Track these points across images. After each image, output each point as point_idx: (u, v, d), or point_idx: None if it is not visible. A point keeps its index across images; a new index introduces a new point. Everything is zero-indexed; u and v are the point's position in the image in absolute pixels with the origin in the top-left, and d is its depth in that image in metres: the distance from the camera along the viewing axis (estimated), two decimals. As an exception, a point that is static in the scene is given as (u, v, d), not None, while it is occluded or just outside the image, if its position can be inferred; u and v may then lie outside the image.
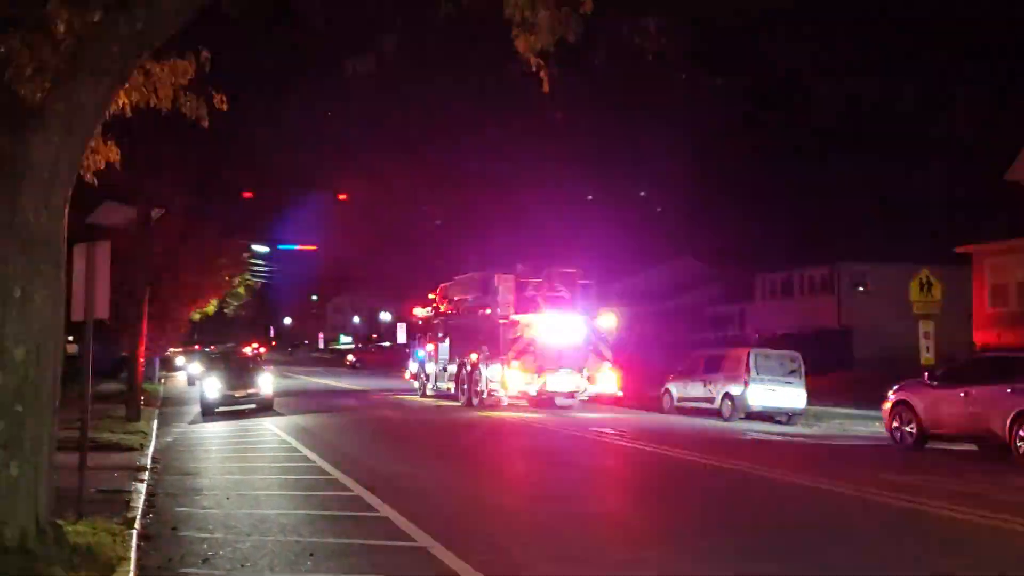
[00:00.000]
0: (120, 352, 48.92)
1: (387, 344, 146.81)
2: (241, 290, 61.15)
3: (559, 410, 39.69)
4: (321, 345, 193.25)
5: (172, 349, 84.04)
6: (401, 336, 68.91)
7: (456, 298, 47.37)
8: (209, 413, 40.26)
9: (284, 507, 17.63)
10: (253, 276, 64.90)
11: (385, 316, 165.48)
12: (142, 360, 36.53)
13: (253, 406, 40.78)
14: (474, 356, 41.42)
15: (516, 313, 41.22)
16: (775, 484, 20.27)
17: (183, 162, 36.82)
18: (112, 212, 26.78)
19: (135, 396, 35.39)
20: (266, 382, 41.69)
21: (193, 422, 37.30)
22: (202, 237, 47.57)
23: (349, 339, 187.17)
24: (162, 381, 70.79)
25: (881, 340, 58.53)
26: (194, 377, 62.12)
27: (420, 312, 52.00)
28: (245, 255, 57.43)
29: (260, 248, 58.90)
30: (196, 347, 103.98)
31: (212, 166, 41.26)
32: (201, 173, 41.14)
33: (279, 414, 38.50)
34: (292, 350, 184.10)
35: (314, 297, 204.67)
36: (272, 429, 32.48)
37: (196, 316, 61.56)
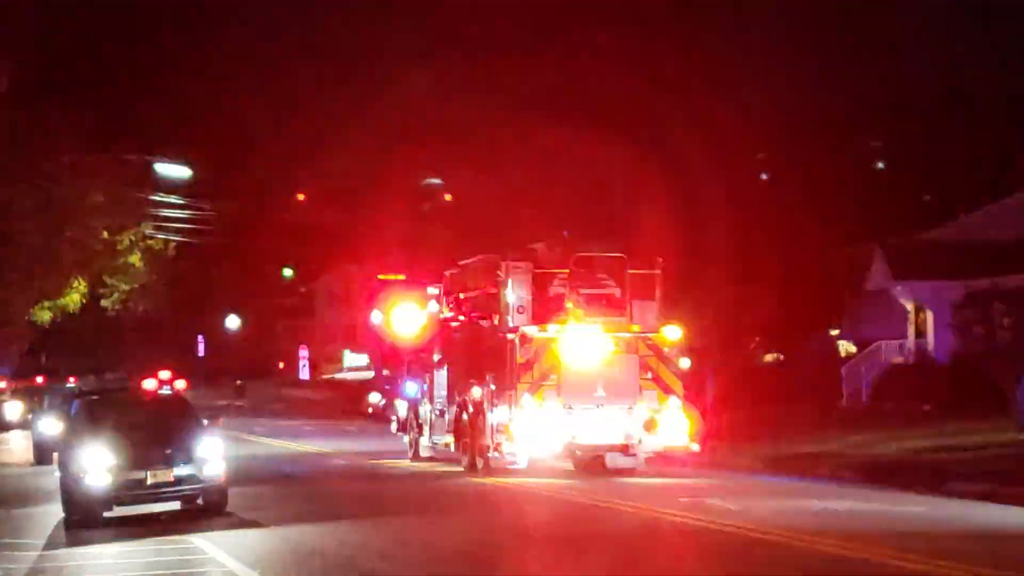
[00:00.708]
0: None
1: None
2: (135, 259, 34.47)
3: (613, 476, 28.31)
4: (304, 371, 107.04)
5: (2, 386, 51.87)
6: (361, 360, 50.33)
7: (463, 296, 33.02)
8: (90, 521, 22.28)
9: None
10: (159, 232, 36.36)
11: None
12: None
13: (178, 505, 23.16)
14: (476, 391, 30.55)
15: (533, 322, 29.01)
16: None
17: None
18: None
19: None
20: (210, 451, 22.96)
21: (51, 545, 20.67)
22: (52, 145, 23.75)
23: (360, 358, 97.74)
24: None
25: None
26: (48, 443, 34.34)
27: (407, 323, 35.85)
28: (140, 194, 28.96)
29: (171, 169, 30.47)
30: (41, 379, 64.20)
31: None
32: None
33: (233, 519, 22.43)
34: (241, 384, 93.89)
35: (287, 272, 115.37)
36: (220, 561, 17.68)
37: (45, 315, 34.09)
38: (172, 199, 37.17)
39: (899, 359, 47.11)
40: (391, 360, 41.03)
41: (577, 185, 57.63)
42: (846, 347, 50.85)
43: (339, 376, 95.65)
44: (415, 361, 35.33)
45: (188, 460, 22.39)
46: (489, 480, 27.68)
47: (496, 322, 30.27)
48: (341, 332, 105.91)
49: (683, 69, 51.06)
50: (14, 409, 55.06)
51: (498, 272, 30.39)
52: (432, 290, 35.33)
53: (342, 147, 79.23)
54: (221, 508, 22.90)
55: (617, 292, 30.27)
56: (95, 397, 25.71)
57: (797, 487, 25.28)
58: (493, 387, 29.21)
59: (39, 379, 63.71)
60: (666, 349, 29.23)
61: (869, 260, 47.78)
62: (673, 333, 29.27)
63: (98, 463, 21.85)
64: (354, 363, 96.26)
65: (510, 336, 29.12)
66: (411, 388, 35.52)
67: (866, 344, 50.11)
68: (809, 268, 49.35)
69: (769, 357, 58.74)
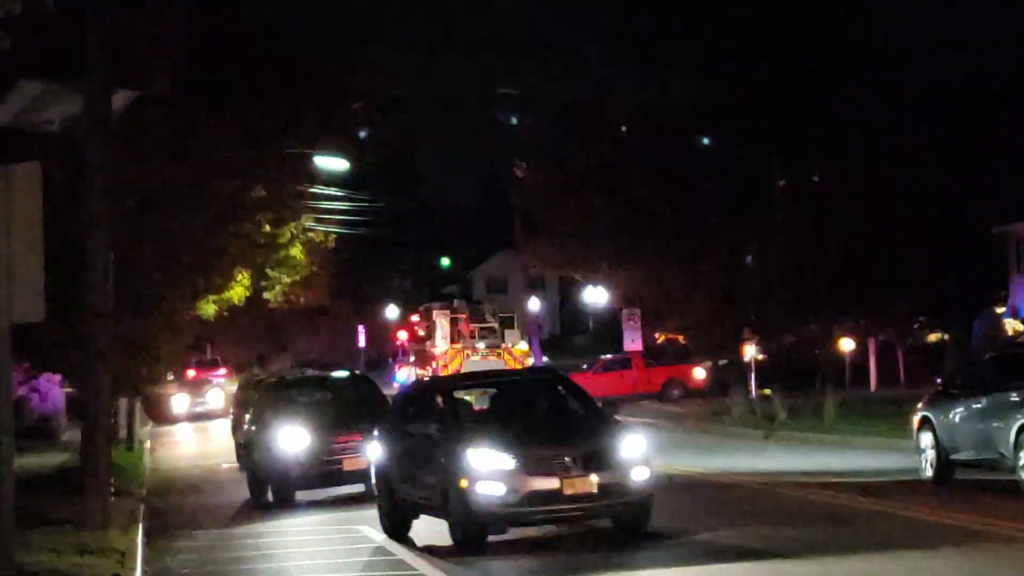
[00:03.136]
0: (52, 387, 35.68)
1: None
2: (296, 252, 33.86)
3: None
4: None
5: (169, 380, 52.07)
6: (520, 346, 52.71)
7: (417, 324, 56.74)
8: (285, 497, 23.16)
9: None
10: (319, 224, 36.56)
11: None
12: (111, 403, 22.38)
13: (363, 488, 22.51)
14: None
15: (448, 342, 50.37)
16: None
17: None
18: (34, 100, 17.56)
19: (97, 479, 18.73)
20: (635, 450, 15.56)
21: (243, 518, 21.53)
22: (214, 146, 24.09)
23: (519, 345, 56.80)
24: (146, 444, 41.72)
25: None
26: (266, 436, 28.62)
27: None
28: (302, 186, 30.47)
29: (330, 162, 30.46)
30: (220, 371, 67.42)
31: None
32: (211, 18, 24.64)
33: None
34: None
35: (444, 262, 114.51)
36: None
37: (210, 309, 33.08)
38: (332, 191, 37.34)
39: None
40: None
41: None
42: (1013, 325, 49.39)
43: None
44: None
45: (610, 463, 16.01)
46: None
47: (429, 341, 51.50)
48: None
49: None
50: (181, 402, 56.61)
51: (432, 316, 51.79)
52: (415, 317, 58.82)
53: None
54: (641, 527, 16.56)
55: (495, 325, 51.08)
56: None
57: None
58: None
59: (218, 372, 65.22)
60: (517, 354, 49.43)
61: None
62: (522, 346, 51.28)
63: (491, 467, 15.79)
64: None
65: (435, 350, 50.36)
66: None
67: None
68: (970, 245, 47.92)
69: (933, 337, 57.38)
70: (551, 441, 16.30)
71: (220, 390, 60.10)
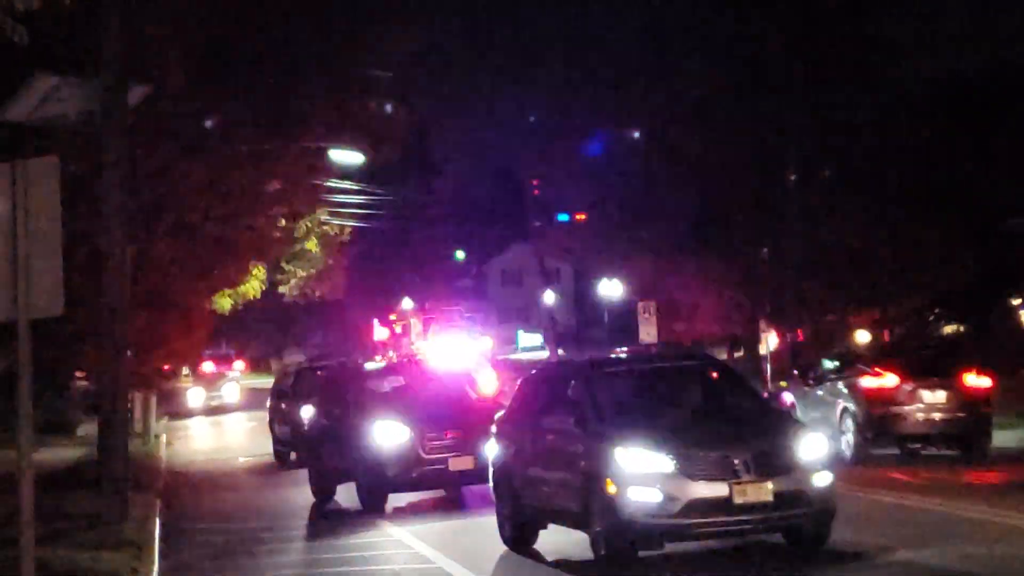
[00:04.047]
0: (70, 380, 35.05)
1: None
2: (312, 245, 33.60)
3: None
4: None
5: (185, 373, 51.77)
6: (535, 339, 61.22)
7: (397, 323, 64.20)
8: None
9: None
10: (334, 217, 36.27)
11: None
12: (127, 397, 21.82)
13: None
14: None
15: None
16: None
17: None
18: (50, 94, 17.12)
19: (114, 473, 18.62)
20: (814, 451, 14.65)
21: (261, 511, 20.76)
22: (228, 140, 24.03)
23: (534, 338, 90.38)
24: (162, 438, 40.50)
25: None
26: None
27: None
28: (316, 180, 28.46)
29: (345, 155, 30.08)
30: (237, 365, 67.34)
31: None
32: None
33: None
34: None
35: (459, 254, 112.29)
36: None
37: (226, 303, 32.75)
38: (347, 184, 37.09)
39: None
40: None
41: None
42: (1029, 317, 49.14)
43: (513, 357, 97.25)
44: None
45: (788, 467, 13.50)
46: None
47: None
48: (515, 313, 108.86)
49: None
50: (196, 396, 56.59)
51: (407, 317, 60.45)
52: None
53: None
54: (821, 542, 13.92)
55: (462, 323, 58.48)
56: (609, 370, 16.23)
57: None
58: None
59: (233, 362, 65.20)
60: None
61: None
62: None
63: (644, 469, 13.28)
64: (528, 343, 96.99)
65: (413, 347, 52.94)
66: None
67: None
68: (987, 237, 47.67)
69: (949, 329, 57.12)
70: (717, 439, 13.71)
71: (235, 384, 60.18)
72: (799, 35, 43.17)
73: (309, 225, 31.86)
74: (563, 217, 78.37)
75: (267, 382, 75.59)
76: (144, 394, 36.43)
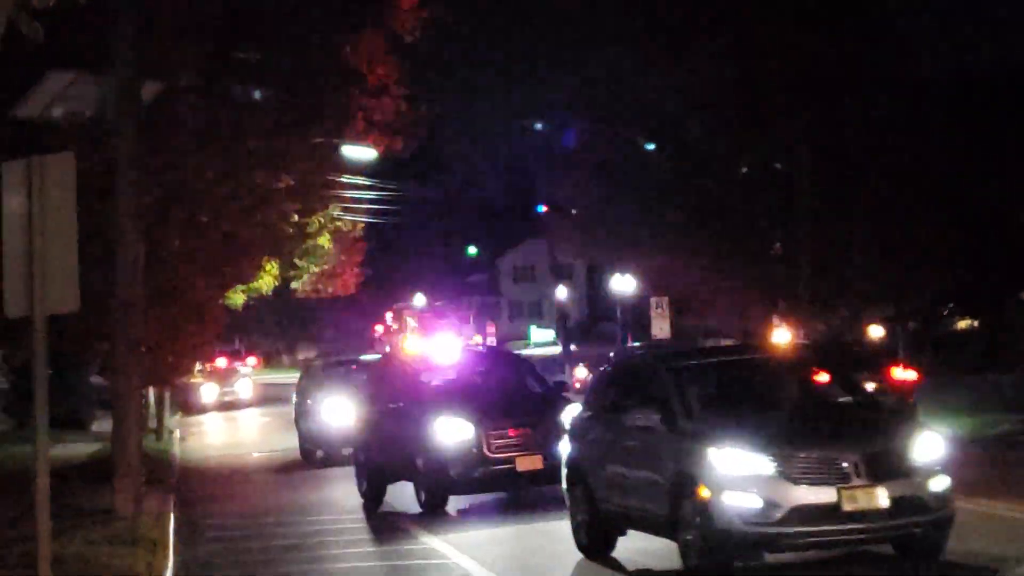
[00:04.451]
0: (85, 376, 35.12)
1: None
2: (324, 241, 33.19)
3: None
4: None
5: (197, 369, 48.83)
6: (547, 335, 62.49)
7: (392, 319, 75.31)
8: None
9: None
10: (346, 213, 36.08)
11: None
12: (141, 393, 23.06)
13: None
14: None
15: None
16: None
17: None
18: (64, 90, 17.49)
19: (129, 469, 18.56)
20: (930, 452, 13.16)
21: (276, 507, 20.39)
22: (241, 135, 23.97)
23: (546, 333, 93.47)
24: (175, 434, 40.53)
25: None
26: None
27: None
28: (329, 176, 28.02)
29: (357, 151, 29.67)
30: (249, 360, 66.57)
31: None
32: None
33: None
34: None
35: (471, 250, 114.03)
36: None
37: (239, 299, 33.09)
38: (359, 180, 37.04)
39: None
40: None
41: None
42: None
43: (526, 352, 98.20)
44: None
45: (904, 470, 12.24)
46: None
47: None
48: (527, 308, 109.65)
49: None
50: (209, 391, 56.58)
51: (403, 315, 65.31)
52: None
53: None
54: (937, 554, 12.58)
55: (453, 320, 62.23)
56: (697, 362, 14.55)
57: None
58: None
59: (243, 359, 65.28)
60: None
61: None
62: (477, 338, 57.28)
63: (742, 471, 11.93)
64: (541, 339, 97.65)
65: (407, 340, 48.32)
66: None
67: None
68: (1000, 230, 47.53)
69: (962, 324, 56.99)
70: (821, 439, 12.36)
71: (249, 380, 60.29)
72: (812, 30, 43.04)
73: (321, 221, 31.71)
74: (539, 208, 78.35)
75: (279, 378, 76.06)
76: (158, 390, 36.51)
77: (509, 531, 17.28)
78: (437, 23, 27.95)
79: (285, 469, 29.12)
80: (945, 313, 55.20)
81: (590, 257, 64.72)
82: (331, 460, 27.47)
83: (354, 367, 30.53)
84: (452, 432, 18.66)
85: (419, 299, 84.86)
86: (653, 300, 51.18)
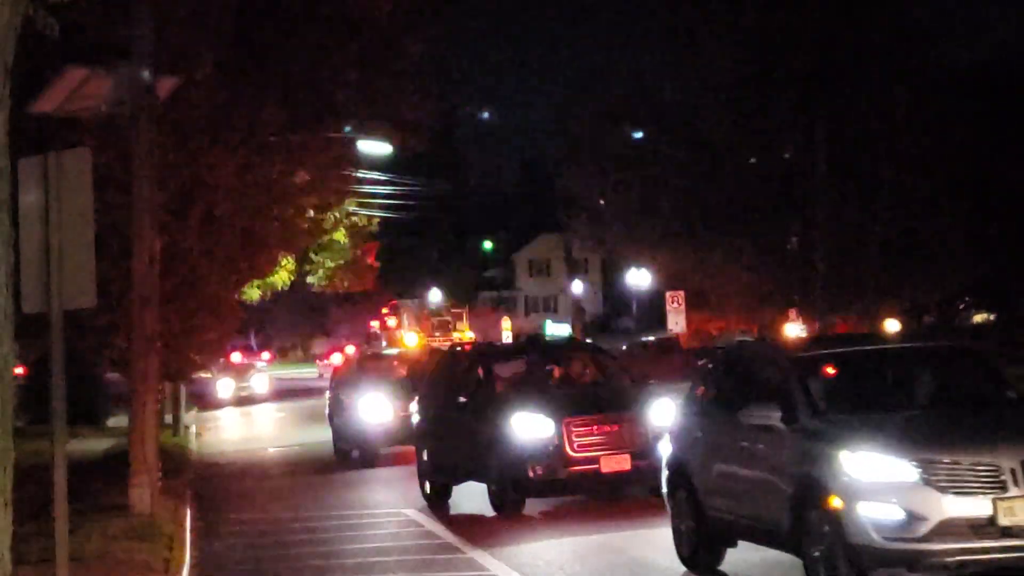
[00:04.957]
0: (100, 371, 34.27)
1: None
2: (340, 236, 33.33)
3: None
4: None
5: (217, 363, 48.56)
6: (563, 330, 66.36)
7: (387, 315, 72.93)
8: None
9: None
10: (362, 208, 36.02)
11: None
12: (157, 388, 20.35)
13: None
14: None
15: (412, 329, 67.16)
16: None
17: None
18: (80, 85, 16.85)
19: (145, 464, 18.42)
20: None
21: (292, 502, 20.21)
22: (257, 130, 23.91)
23: (562, 328, 79.20)
24: (191, 429, 39.88)
25: None
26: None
27: None
28: (345, 171, 27.76)
29: (373, 146, 29.42)
30: (239, 356, 63.54)
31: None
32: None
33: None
34: None
35: (487, 245, 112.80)
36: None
37: (254, 294, 32.89)
38: (375, 175, 37.07)
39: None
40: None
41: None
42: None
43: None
44: None
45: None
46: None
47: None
48: (543, 302, 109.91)
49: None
50: (225, 387, 56.57)
51: (400, 311, 68.48)
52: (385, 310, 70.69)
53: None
54: None
55: (449, 319, 68.20)
56: (821, 353, 13.05)
57: None
58: None
59: (236, 356, 64.70)
60: (467, 340, 51.42)
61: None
62: (470, 334, 60.71)
63: (880, 478, 10.43)
64: (556, 334, 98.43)
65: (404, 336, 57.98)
66: None
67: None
68: (1017, 224, 47.33)
69: (979, 318, 56.87)
70: (972, 442, 10.58)
71: (264, 375, 60.27)
72: (831, 21, 42.95)
73: (337, 216, 31.65)
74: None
75: (294, 373, 76.10)
76: (174, 385, 36.50)
77: (591, 542, 15.20)
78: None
79: (301, 464, 29.03)
80: (962, 307, 55.06)
81: (605, 251, 64.58)
82: (368, 461, 26.15)
83: (395, 362, 29.90)
84: (530, 428, 17.02)
85: (434, 294, 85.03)
86: (669, 294, 51.21)
